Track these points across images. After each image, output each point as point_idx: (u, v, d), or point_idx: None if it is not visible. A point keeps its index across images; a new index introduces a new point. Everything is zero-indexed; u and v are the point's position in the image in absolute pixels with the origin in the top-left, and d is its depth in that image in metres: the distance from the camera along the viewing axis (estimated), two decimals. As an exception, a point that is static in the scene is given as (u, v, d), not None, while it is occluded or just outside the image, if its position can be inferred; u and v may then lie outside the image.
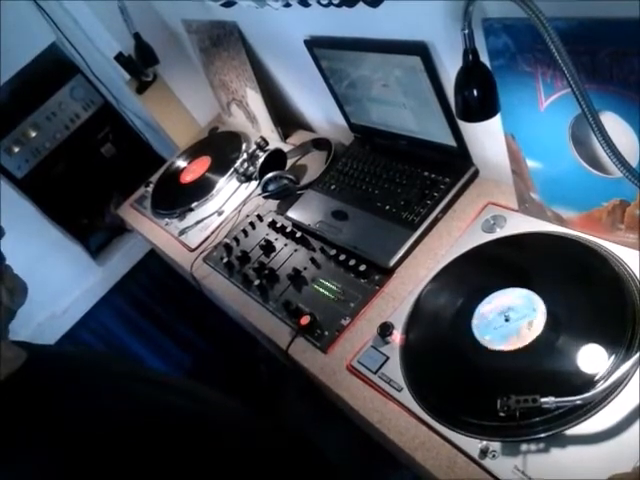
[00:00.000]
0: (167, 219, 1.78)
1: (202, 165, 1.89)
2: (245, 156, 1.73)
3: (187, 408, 0.90)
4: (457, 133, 1.18)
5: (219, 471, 0.86)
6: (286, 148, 1.69)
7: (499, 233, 1.09)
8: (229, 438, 0.92)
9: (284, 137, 1.78)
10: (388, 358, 1.02)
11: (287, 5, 1.18)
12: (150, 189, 1.98)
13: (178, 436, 0.83)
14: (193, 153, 2.00)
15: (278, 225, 1.46)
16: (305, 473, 1.05)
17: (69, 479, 0.75)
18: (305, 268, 1.31)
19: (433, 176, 1.27)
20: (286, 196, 1.51)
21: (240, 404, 1.06)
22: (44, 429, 0.75)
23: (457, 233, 1.16)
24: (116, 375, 0.91)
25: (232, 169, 1.75)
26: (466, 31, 0.77)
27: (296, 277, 1.29)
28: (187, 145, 2.10)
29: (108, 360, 1.00)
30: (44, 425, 0.75)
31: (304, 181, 1.56)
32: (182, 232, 1.69)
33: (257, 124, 1.85)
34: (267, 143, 1.74)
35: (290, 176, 1.52)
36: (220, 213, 1.67)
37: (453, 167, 1.25)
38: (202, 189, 1.78)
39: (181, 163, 2.00)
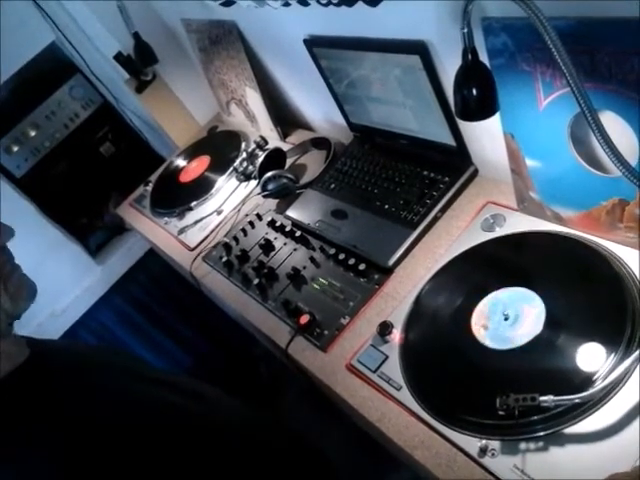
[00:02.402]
0: (166, 218, 1.78)
1: (201, 164, 1.89)
2: (244, 155, 1.73)
3: (187, 407, 0.90)
4: (456, 132, 1.19)
5: (218, 470, 0.86)
6: (285, 147, 1.69)
7: (498, 232, 1.09)
8: (229, 437, 0.91)
9: (283, 136, 1.78)
10: (387, 357, 1.02)
11: (286, 4, 1.18)
12: (149, 188, 1.98)
13: (178, 435, 0.83)
14: (192, 152, 2.00)
15: (277, 224, 1.46)
16: (305, 472, 1.05)
17: (68, 478, 0.75)
18: (304, 267, 1.31)
19: (432, 175, 1.27)
20: (285, 195, 1.51)
21: (240, 403, 1.06)
22: (44, 428, 0.75)
23: (456, 232, 1.16)
24: (117, 373, 0.91)
25: (231, 168, 1.75)
26: (465, 30, 0.77)
27: (295, 276, 1.29)
28: (186, 144, 2.10)
29: (109, 357, 1.00)
30: (44, 423, 0.75)
31: (303, 180, 1.56)
32: (181, 231, 1.69)
33: (256, 123, 1.85)
34: (266, 142, 1.74)
35: (289, 175, 1.52)
36: (219, 212, 1.67)
37: (452, 166, 1.25)
38: (201, 188, 1.78)
39: (180, 162, 2.00)
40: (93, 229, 2.38)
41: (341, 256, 1.26)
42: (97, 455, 0.75)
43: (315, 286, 1.26)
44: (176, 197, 1.83)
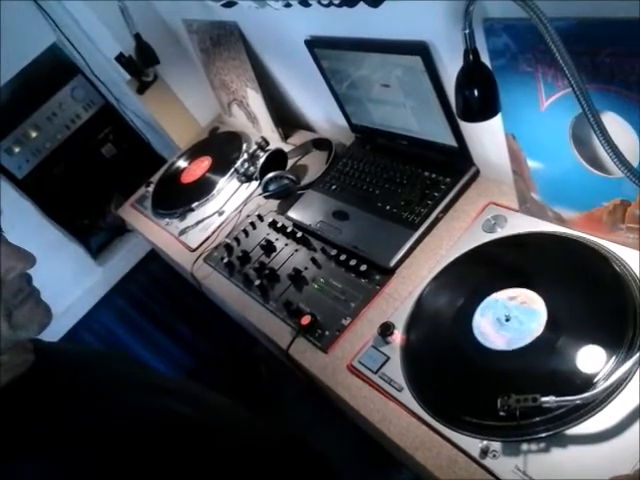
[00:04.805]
0: (167, 219, 1.79)
1: (203, 165, 1.89)
2: (246, 156, 1.73)
3: (188, 414, 0.89)
4: (458, 133, 1.18)
5: (218, 477, 0.86)
6: (287, 148, 1.69)
7: (500, 233, 1.09)
8: (229, 444, 0.91)
9: (285, 137, 1.78)
10: (389, 358, 1.02)
11: (288, 5, 1.18)
12: (151, 189, 1.98)
13: (178, 443, 0.82)
14: (194, 153, 2.00)
15: (279, 225, 1.46)
16: (305, 474, 1.05)
17: None
18: (306, 268, 1.31)
19: (434, 176, 1.27)
20: (287, 196, 1.51)
21: (240, 406, 1.06)
22: (43, 436, 0.74)
23: (458, 233, 1.16)
24: (120, 380, 0.90)
25: (233, 169, 1.75)
26: (467, 31, 0.77)
27: (297, 277, 1.29)
28: (188, 145, 2.10)
29: (114, 363, 0.99)
30: (43, 432, 0.75)
31: (305, 181, 1.56)
32: (182, 232, 1.69)
33: (258, 124, 1.85)
34: (268, 143, 1.74)
35: (291, 176, 1.52)
36: (221, 213, 1.67)
37: (454, 167, 1.25)
38: (203, 189, 1.78)
39: (182, 163, 2.00)
40: (94, 230, 2.38)
41: (342, 257, 1.26)
42: (96, 462, 0.75)
43: (316, 287, 1.26)
44: (177, 198, 1.83)
